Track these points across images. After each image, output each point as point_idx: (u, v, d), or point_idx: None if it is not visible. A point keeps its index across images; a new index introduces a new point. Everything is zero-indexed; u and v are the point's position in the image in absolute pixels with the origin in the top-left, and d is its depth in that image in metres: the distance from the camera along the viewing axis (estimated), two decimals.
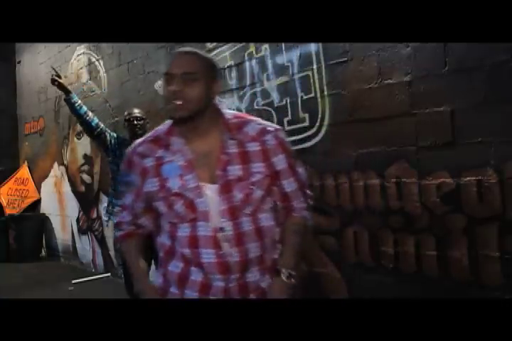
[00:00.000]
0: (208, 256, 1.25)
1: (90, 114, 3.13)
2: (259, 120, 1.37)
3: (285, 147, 1.34)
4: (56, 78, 3.07)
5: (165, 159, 1.29)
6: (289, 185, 1.33)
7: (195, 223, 1.25)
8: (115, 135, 3.11)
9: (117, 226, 1.45)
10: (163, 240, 1.35)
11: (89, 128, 3.10)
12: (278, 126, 1.39)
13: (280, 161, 1.31)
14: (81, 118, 3.08)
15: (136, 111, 3.05)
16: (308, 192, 1.40)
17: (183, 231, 1.27)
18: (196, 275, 1.28)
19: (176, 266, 1.31)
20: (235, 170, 1.25)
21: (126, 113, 3.09)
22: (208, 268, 1.26)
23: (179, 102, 1.20)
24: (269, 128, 1.32)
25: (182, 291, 1.32)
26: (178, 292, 1.33)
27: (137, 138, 3.04)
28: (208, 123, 1.28)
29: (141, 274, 1.40)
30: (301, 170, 1.38)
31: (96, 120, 3.10)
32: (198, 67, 1.23)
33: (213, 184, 1.26)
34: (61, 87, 3.11)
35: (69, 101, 3.08)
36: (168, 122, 1.36)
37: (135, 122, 2.97)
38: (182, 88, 1.20)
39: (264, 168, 1.28)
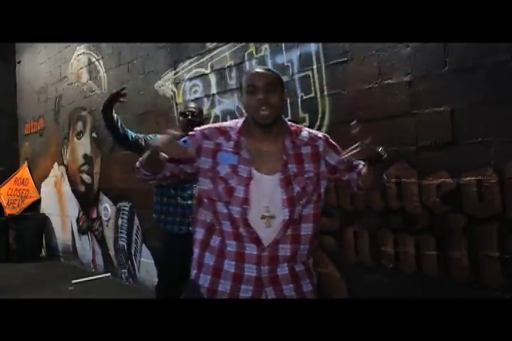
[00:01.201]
0: (243, 230, 1.46)
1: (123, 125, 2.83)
2: (307, 129, 1.65)
3: (335, 147, 1.60)
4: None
5: (223, 147, 1.51)
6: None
7: (228, 205, 1.46)
8: (152, 137, 2.81)
9: None
10: (203, 218, 1.54)
11: (124, 142, 2.80)
12: (325, 134, 1.64)
13: (332, 158, 1.56)
14: (119, 137, 2.77)
15: (193, 106, 2.83)
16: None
17: (222, 208, 1.48)
18: (232, 247, 1.47)
19: (214, 241, 1.51)
20: (292, 168, 1.50)
21: (183, 107, 2.86)
22: (244, 240, 1.46)
23: (264, 108, 1.45)
24: (319, 135, 1.60)
25: (220, 261, 1.49)
26: (214, 263, 1.50)
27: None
28: (277, 128, 1.54)
29: None
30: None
31: (129, 132, 2.80)
32: (275, 79, 1.54)
33: (273, 176, 1.49)
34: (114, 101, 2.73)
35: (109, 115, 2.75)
36: (238, 120, 1.60)
37: (190, 117, 2.72)
38: (266, 97, 1.46)
39: (314, 168, 1.53)
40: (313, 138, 1.57)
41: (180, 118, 2.83)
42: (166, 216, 2.70)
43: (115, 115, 2.74)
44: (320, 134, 1.61)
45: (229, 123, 1.61)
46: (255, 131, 1.52)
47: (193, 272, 1.55)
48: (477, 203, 2.18)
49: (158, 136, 2.73)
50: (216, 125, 1.60)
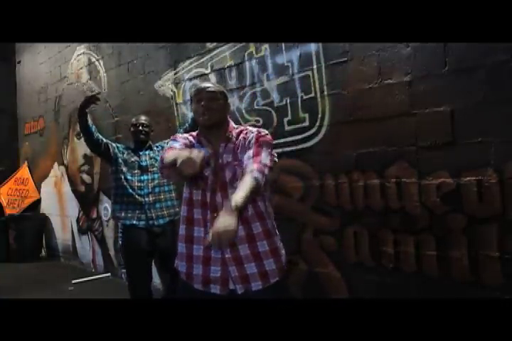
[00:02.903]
0: (210, 216, 1.68)
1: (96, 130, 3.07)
2: (252, 128, 1.84)
3: (260, 139, 1.74)
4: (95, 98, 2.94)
5: (195, 145, 1.79)
6: (247, 156, 1.72)
7: (204, 192, 1.73)
8: (117, 145, 3.13)
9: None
10: (182, 212, 1.78)
11: (96, 145, 3.06)
12: (263, 130, 1.82)
13: (250, 144, 1.73)
14: (91, 136, 3.01)
15: (143, 119, 3.13)
16: (263, 165, 1.69)
17: (197, 196, 1.74)
18: (199, 232, 1.72)
19: (182, 230, 1.77)
20: (227, 158, 1.75)
21: (133, 119, 3.15)
22: (209, 226, 1.65)
23: (206, 113, 1.73)
24: (253, 130, 1.80)
25: (189, 247, 1.74)
26: (186, 250, 1.75)
27: (140, 143, 3.07)
28: (223, 130, 1.80)
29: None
30: (265, 151, 1.73)
31: (100, 136, 3.07)
32: (217, 91, 1.81)
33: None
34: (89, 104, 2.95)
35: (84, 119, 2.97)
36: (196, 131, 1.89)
37: (141, 128, 3.07)
38: (208, 104, 1.75)
39: (243, 154, 1.73)
40: (248, 133, 1.79)
41: (132, 128, 3.13)
42: (126, 213, 2.97)
43: (89, 119, 3.02)
44: (255, 129, 1.81)
45: (192, 133, 1.91)
46: (206, 134, 1.81)
47: (175, 262, 1.80)
48: (477, 203, 2.18)
49: (119, 145, 3.12)
50: (185, 135, 1.89)
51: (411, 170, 2.43)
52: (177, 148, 1.74)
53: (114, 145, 3.10)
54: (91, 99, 2.88)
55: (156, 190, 2.99)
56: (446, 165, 2.29)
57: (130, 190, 2.97)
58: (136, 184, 2.98)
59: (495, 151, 2.12)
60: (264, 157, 1.69)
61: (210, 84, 1.88)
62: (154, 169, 2.99)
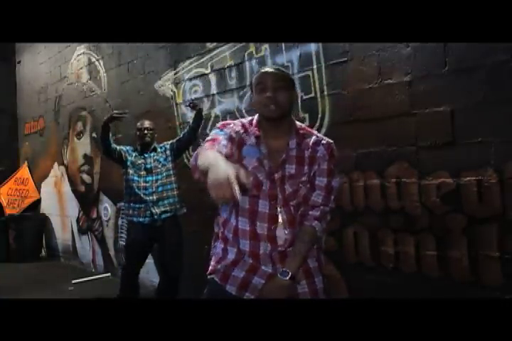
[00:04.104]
0: (261, 228, 1.49)
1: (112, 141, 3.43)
2: (318, 133, 1.65)
3: (330, 159, 1.57)
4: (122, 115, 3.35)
5: (247, 142, 1.55)
6: (315, 193, 1.55)
7: (257, 199, 1.50)
8: (127, 149, 3.46)
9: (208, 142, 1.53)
10: (223, 213, 1.58)
11: (111, 153, 3.42)
12: (330, 140, 1.62)
13: (320, 171, 1.55)
14: (109, 147, 3.37)
15: (147, 123, 3.44)
16: (328, 207, 1.57)
17: (244, 203, 1.50)
18: (245, 245, 1.51)
19: (229, 235, 1.54)
20: (290, 169, 1.53)
21: (138, 124, 3.46)
22: (262, 239, 1.50)
23: (272, 105, 1.49)
24: (323, 141, 1.59)
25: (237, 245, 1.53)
26: (235, 256, 1.54)
27: (145, 145, 3.36)
28: (285, 126, 1.57)
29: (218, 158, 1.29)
30: (335, 184, 1.58)
31: (115, 145, 3.41)
32: (284, 78, 1.55)
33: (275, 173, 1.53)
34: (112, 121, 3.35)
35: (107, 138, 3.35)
36: (251, 118, 1.63)
37: (146, 132, 3.39)
38: (274, 94, 1.49)
39: (310, 171, 1.54)
40: (316, 143, 1.58)
41: (137, 132, 3.44)
42: (133, 210, 3.36)
43: (110, 133, 3.38)
44: (325, 140, 1.61)
45: (245, 119, 1.65)
46: (266, 127, 1.57)
47: (212, 265, 1.58)
48: (477, 203, 2.18)
49: (128, 148, 3.43)
50: (237, 120, 1.65)
51: (411, 170, 2.43)
52: (219, 144, 1.45)
53: (125, 149, 3.44)
54: (117, 116, 3.29)
55: (160, 189, 3.32)
56: (446, 165, 2.29)
57: (136, 190, 3.34)
58: (142, 184, 3.34)
59: (495, 151, 2.12)
60: (333, 190, 1.56)
61: (275, 69, 1.58)
62: (158, 170, 3.34)
